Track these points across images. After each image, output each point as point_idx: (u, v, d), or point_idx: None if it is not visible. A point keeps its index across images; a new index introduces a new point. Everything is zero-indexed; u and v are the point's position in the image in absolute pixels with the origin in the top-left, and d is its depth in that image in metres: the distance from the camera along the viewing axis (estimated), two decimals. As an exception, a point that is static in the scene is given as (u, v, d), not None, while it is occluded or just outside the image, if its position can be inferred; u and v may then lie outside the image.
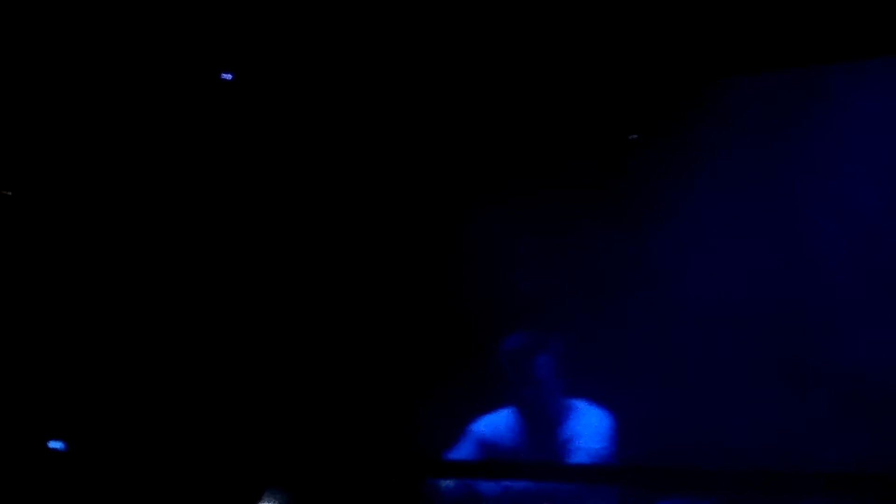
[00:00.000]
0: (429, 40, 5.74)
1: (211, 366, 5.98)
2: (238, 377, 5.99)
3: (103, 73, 5.93)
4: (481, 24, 5.67)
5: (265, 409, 5.91)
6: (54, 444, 5.47)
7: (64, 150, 6.02)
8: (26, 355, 5.86)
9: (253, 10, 5.76)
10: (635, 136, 5.96)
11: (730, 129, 5.59)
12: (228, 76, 5.88)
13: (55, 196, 6.07)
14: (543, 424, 5.29)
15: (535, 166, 5.95)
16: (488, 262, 5.85)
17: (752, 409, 5.36)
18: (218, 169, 6.14)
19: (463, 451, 5.35)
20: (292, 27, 5.81)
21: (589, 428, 5.25)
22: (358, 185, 6.14)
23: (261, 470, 5.41)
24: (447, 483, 5.26)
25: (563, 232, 5.88)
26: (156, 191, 6.13)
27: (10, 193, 5.94)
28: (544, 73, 5.72)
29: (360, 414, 5.92)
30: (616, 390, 5.34)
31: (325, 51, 5.89)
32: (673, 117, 5.78)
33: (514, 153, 5.97)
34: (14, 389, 5.74)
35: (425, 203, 6.12)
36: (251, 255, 6.13)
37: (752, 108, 5.61)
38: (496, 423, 5.39)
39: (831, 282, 5.36)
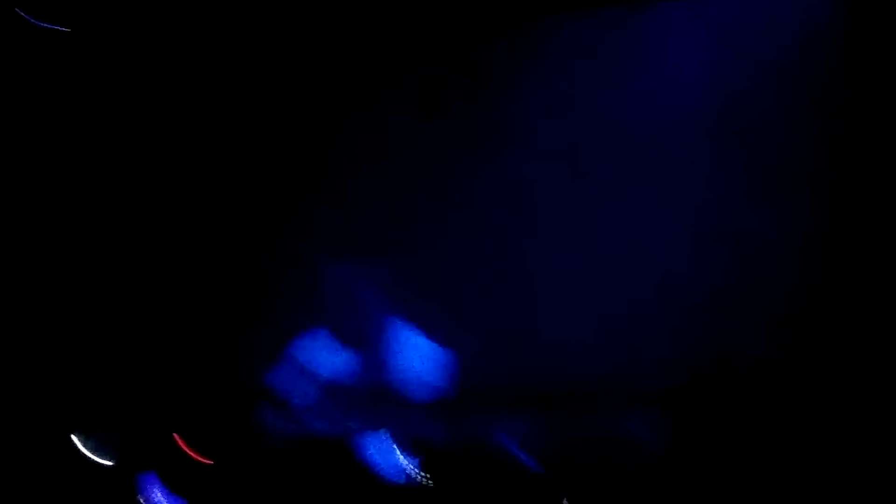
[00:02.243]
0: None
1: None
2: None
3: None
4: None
5: (86, 340, 5.85)
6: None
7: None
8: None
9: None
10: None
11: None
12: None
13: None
14: (364, 348, 5.29)
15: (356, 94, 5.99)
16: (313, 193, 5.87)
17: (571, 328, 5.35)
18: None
19: (284, 376, 5.32)
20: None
21: (411, 351, 5.25)
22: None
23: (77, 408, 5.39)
24: (273, 412, 5.24)
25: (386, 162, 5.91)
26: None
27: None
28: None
29: (181, 344, 5.85)
30: (433, 314, 5.34)
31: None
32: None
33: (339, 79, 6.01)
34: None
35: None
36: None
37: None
38: (313, 348, 5.37)
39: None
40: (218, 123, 5.91)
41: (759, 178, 5.21)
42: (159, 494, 5.26)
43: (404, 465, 5.04)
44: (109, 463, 5.34)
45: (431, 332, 5.31)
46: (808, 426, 4.69)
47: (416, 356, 5.26)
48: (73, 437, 5.35)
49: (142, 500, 5.26)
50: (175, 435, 5.27)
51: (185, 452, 5.24)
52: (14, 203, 5.86)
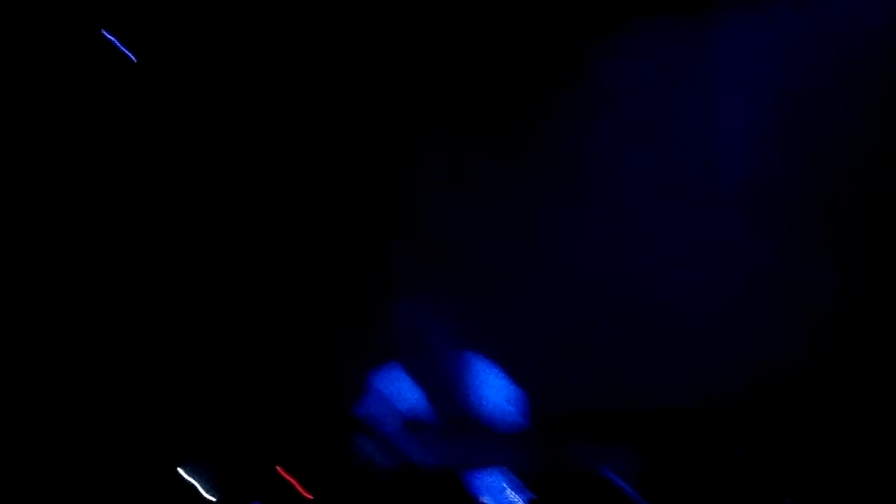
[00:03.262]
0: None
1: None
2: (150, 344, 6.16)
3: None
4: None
5: (177, 376, 6.10)
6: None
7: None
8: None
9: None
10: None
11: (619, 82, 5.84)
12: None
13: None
14: (441, 381, 5.46)
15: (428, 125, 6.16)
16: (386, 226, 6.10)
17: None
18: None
19: (365, 408, 5.52)
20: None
21: (487, 381, 5.43)
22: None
23: (181, 441, 5.59)
24: (360, 439, 5.43)
25: (457, 192, 6.11)
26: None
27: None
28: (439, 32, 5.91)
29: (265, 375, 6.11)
30: (509, 348, 5.52)
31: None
32: (564, 71, 6.00)
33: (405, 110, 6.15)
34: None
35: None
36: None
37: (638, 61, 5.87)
38: (393, 379, 5.54)
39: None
40: (293, 164, 6.11)
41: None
42: None
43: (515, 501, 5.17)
44: (214, 497, 5.57)
45: (506, 365, 5.47)
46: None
47: (493, 389, 5.40)
48: (180, 470, 5.59)
49: None
50: (279, 468, 5.52)
51: (289, 485, 5.47)
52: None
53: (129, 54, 6.06)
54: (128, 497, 5.68)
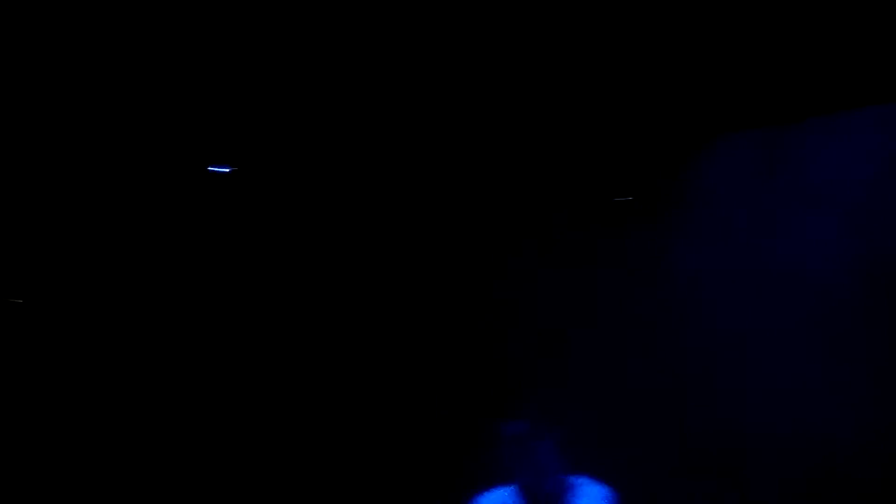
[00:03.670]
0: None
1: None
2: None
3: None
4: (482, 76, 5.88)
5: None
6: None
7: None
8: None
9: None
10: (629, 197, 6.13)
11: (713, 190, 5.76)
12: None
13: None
14: (549, 501, 5.36)
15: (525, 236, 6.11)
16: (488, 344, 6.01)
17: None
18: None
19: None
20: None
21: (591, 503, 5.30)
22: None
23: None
24: None
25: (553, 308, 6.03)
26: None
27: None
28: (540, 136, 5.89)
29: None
30: (615, 467, 5.43)
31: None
32: (661, 179, 5.93)
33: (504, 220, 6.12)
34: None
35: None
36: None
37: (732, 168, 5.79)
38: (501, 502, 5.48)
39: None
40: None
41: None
42: None
43: None
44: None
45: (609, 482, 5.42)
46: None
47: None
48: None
49: None
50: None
51: None
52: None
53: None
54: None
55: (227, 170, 6.18)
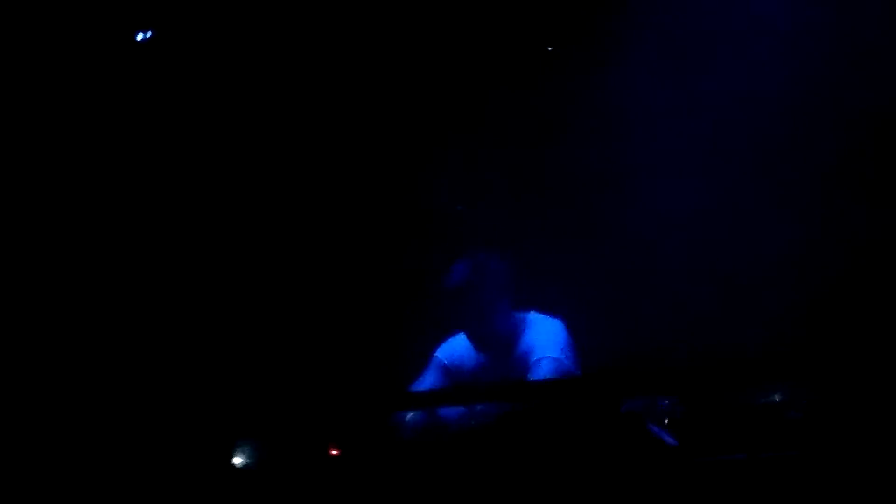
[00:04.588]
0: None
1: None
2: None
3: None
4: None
5: (229, 354, 6.06)
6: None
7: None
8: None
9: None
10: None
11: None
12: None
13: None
14: (500, 341, 5.35)
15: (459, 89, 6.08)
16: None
17: (689, 308, 5.45)
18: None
19: (427, 380, 5.44)
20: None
21: (543, 337, 5.29)
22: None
23: (229, 419, 5.51)
24: (415, 414, 5.31)
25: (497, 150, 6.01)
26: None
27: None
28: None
29: (324, 354, 6.05)
30: (564, 298, 5.43)
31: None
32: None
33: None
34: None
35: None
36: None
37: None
38: (454, 347, 5.47)
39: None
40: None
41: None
42: None
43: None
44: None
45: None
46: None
47: (546, 342, 5.27)
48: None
49: None
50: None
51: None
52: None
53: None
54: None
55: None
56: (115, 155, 6.19)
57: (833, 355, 4.65)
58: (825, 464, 3.92)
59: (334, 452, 5.46)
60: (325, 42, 6.11)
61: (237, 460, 5.54)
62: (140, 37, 5.92)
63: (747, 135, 5.65)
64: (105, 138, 6.17)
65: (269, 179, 6.29)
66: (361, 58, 6.06)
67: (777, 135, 5.67)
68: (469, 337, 5.39)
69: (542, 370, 5.21)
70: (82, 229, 6.15)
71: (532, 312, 5.37)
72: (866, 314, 5.41)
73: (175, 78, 6.17)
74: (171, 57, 6.14)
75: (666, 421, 4.70)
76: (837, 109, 5.51)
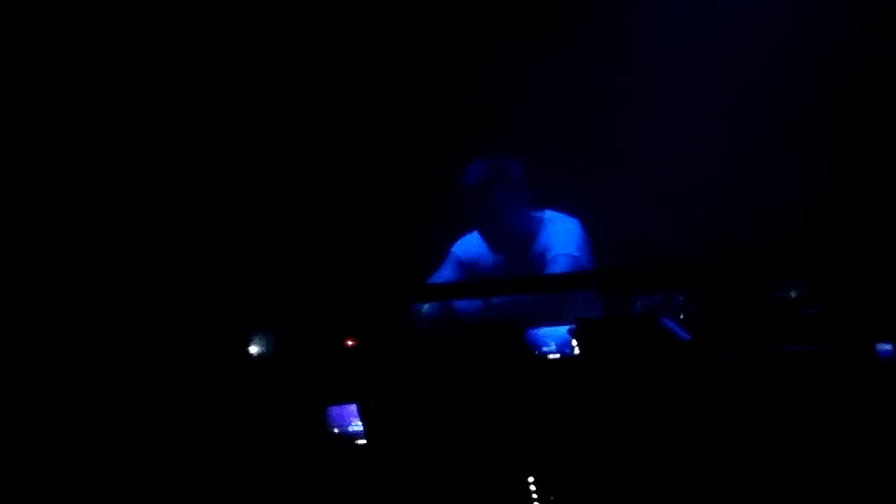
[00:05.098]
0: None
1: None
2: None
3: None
4: None
5: (241, 246, 6.12)
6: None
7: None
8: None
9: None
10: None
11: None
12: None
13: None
14: (516, 239, 5.44)
15: None
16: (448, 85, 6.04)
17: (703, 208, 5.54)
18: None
19: (443, 275, 5.52)
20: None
21: (559, 236, 5.37)
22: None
23: (244, 309, 5.58)
24: (430, 306, 5.39)
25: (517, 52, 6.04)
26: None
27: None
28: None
29: (338, 246, 6.12)
30: (581, 197, 5.50)
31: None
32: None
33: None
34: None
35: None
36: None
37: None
38: (470, 244, 5.56)
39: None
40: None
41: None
42: None
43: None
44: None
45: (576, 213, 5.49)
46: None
47: (561, 239, 5.38)
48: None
49: None
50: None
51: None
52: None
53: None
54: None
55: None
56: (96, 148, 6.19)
57: (845, 252, 4.76)
58: (840, 360, 4.00)
59: (350, 343, 5.55)
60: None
61: (253, 349, 5.62)
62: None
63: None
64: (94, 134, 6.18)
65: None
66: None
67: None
68: (484, 236, 5.47)
69: (558, 266, 5.30)
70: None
71: (548, 211, 5.45)
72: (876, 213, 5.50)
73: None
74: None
75: (682, 316, 4.75)
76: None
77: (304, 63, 6.25)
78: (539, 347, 4.82)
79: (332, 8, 6.18)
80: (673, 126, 5.65)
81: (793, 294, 4.57)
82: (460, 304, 5.33)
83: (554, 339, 4.80)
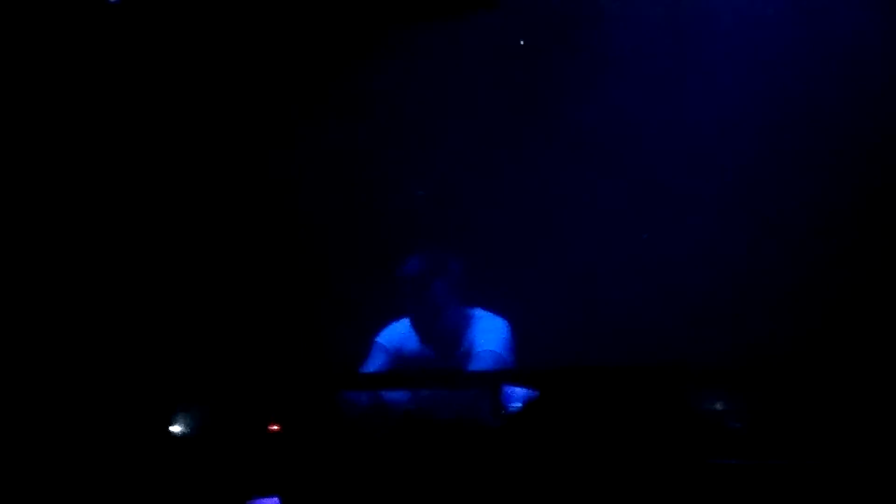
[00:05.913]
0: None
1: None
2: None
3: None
4: None
5: (177, 328, 6.11)
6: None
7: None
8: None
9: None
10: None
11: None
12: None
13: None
14: (446, 333, 5.53)
15: None
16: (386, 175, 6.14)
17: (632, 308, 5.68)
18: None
19: (373, 364, 5.58)
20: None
21: (487, 333, 5.48)
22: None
23: (173, 390, 5.57)
24: (359, 396, 5.43)
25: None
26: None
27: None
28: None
29: (267, 334, 6.14)
30: (511, 299, 5.61)
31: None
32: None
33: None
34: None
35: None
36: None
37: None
38: (394, 333, 5.64)
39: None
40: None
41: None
42: None
43: None
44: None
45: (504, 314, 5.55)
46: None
47: (489, 337, 5.44)
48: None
49: None
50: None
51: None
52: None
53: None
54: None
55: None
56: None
57: (767, 370, 4.89)
58: (765, 475, 4.12)
59: (274, 428, 5.56)
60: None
61: (176, 428, 5.59)
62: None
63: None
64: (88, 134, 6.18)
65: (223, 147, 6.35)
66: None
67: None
68: (416, 328, 5.55)
69: (483, 362, 5.40)
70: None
71: (478, 309, 5.55)
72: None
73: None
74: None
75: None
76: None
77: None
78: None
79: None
80: (605, 238, 5.81)
81: (718, 406, 4.68)
82: (389, 395, 5.39)
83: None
